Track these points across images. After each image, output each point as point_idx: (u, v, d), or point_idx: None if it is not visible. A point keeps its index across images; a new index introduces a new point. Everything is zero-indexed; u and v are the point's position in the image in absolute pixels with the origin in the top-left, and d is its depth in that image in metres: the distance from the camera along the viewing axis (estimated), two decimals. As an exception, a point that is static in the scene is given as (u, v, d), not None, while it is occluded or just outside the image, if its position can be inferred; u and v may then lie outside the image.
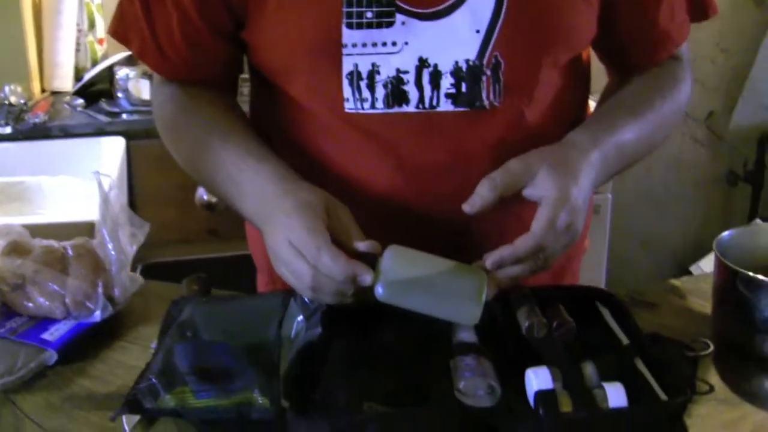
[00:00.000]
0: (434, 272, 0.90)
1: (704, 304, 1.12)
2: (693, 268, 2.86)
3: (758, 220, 1.10)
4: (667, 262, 3.16)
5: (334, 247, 0.87)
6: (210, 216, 2.18)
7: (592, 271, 2.65)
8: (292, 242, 0.88)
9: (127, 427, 0.87)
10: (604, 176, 1.02)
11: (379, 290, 0.88)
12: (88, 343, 1.04)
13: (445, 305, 0.90)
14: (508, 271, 0.91)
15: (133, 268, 2.06)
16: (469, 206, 0.94)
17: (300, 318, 0.96)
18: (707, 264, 2.71)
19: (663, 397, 0.85)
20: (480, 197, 0.93)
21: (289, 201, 0.91)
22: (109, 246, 1.05)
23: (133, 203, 2.21)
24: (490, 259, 0.90)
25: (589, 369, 0.86)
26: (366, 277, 0.87)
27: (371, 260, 0.88)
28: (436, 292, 0.89)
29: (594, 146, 0.99)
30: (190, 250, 2.23)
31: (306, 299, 0.96)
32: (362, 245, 0.89)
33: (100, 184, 1.09)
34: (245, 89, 1.19)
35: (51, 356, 0.99)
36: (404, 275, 0.89)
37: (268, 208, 0.94)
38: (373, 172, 1.04)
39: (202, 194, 2.17)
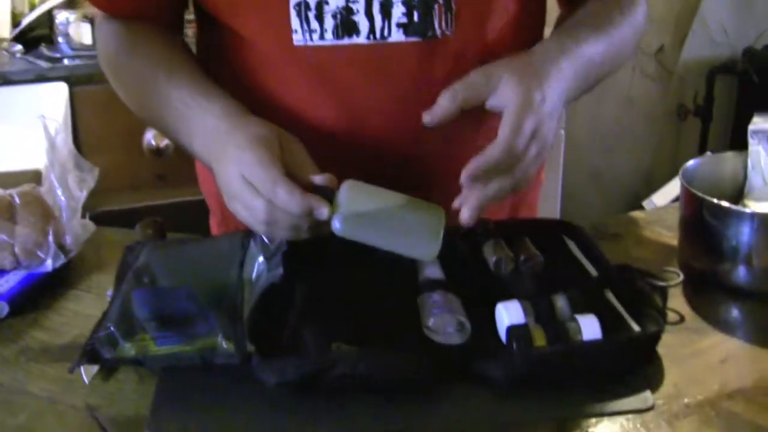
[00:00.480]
0: (392, 207, 0.87)
1: (669, 235, 1.12)
2: (645, 203, 2.88)
3: (709, 154, 1.09)
4: (619, 197, 3.17)
5: (290, 180, 0.84)
6: (158, 161, 2.13)
7: (545, 206, 2.66)
8: (246, 177, 0.84)
9: (86, 379, 0.84)
10: (576, 89, 0.98)
11: (336, 224, 0.84)
12: (41, 293, 1.00)
13: (402, 240, 0.87)
14: (488, 189, 0.87)
15: (82, 217, 2.01)
16: (429, 117, 0.90)
17: (261, 259, 0.93)
18: (660, 198, 2.73)
19: (636, 328, 0.84)
20: (440, 107, 0.90)
21: (241, 135, 0.87)
22: (58, 192, 1.00)
23: (79, 151, 2.13)
24: (465, 173, 0.86)
25: (561, 302, 0.85)
26: (323, 211, 0.83)
27: (327, 194, 0.85)
28: (393, 226, 0.87)
29: (562, 53, 0.95)
30: (140, 197, 2.18)
31: (265, 239, 0.93)
32: (318, 178, 0.86)
33: (46, 129, 1.05)
34: (190, 31, 1.14)
35: (2, 308, 0.95)
36: (361, 209, 0.86)
37: (219, 145, 0.90)
38: (321, 108, 1.01)
39: (149, 139, 2.11)
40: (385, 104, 1.00)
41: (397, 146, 1.01)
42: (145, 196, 2.18)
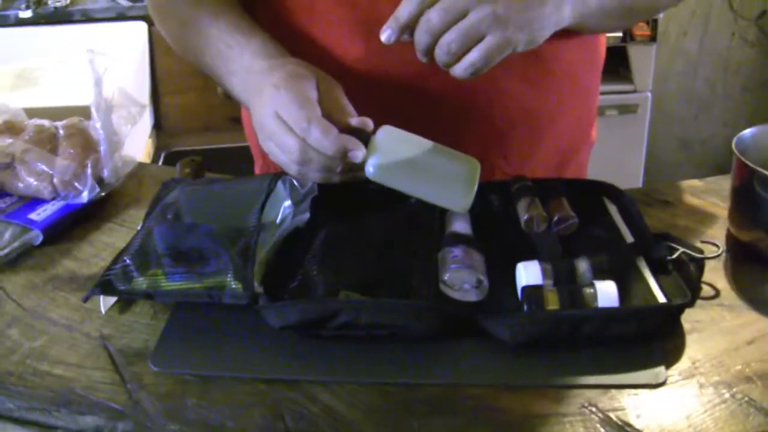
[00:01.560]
0: (428, 155, 0.85)
1: (722, 205, 1.06)
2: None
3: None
4: (708, 167, 3.06)
5: (325, 120, 0.82)
6: (232, 104, 2.14)
7: (627, 172, 2.58)
8: (281, 115, 0.83)
9: (103, 309, 0.85)
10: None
11: (369, 168, 0.83)
12: (77, 224, 1.01)
13: (435, 189, 0.84)
14: (444, 39, 0.82)
15: (156, 156, 2.06)
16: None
17: (288, 203, 0.92)
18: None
19: (661, 299, 0.80)
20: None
21: (278, 74, 0.86)
22: (97, 125, 1.01)
23: (155, 91, 2.17)
24: None
25: (583, 266, 0.81)
26: (357, 153, 0.81)
27: (363, 137, 0.83)
28: (428, 174, 0.84)
29: None
30: (214, 138, 2.20)
31: (296, 182, 0.92)
32: (355, 120, 0.84)
33: (92, 64, 1.05)
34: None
35: (37, 236, 0.97)
36: (397, 154, 0.84)
37: (255, 83, 0.89)
38: (355, 47, 0.99)
39: (224, 82, 2.13)
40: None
41: (427, 86, 0.98)
42: (218, 138, 2.21)
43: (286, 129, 0.83)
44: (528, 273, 0.80)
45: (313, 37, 1.00)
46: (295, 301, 0.78)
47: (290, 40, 0.97)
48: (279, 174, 0.93)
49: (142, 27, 2.09)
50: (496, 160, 1.06)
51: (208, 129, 2.22)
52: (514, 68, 0.93)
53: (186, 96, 2.14)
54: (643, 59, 2.49)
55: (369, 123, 0.84)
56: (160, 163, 2.14)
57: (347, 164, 0.83)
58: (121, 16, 2.12)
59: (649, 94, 2.52)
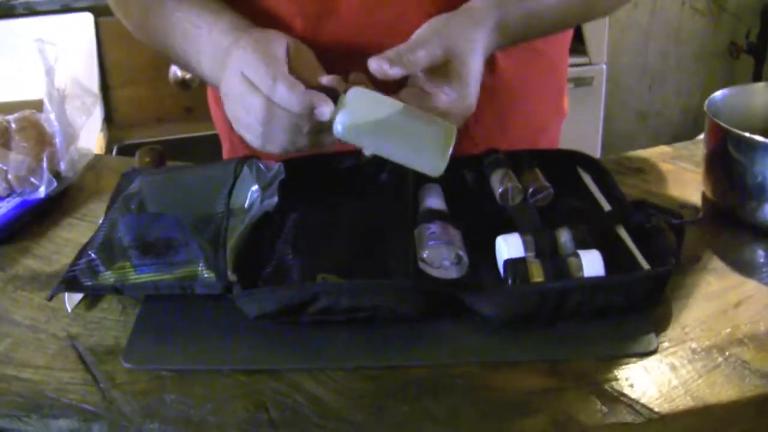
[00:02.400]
0: (401, 115, 0.80)
1: (696, 171, 1.05)
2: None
3: (738, 86, 1.02)
4: (665, 137, 3.07)
5: (292, 77, 0.79)
6: (185, 93, 2.10)
7: (584, 145, 2.58)
8: (246, 74, 0.79)
9: (68, 308, 0.81)
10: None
11: (337, 126, 0.78)
12: (35, 221, 0.97)
13: (408, 150, 0.79)
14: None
15: (108, 151, 2.00)
16: (376, 64, 0.80)
17: (255, 188, 0.89)
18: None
19: (646, 266, 0.79)
20: (394, 69, 0.81)
21: (246, 37, 0.83)
22: (52, 117, 0.97)
23: (105, 83, 2.12)
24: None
25: (565, 236, 0.79)
26: (325, 109, 0.77)
27: (333, 96, 0.79)
28: (400, 135, 0.79)
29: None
30: (167, 129, 2.16)
31: (262, 166, 0.89)
32: (325, 79, 0.80)
33: (42, 54, 1.01)
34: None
35: (-7, 235, 0.93)
36: (367, 114, 0.79)
37: (224, 57, 0.85)
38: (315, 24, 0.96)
39: (176, 71, 2.08)
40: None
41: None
42: (173, 129, 2.16)
43: (251, 88, 0.79)
44: (509, 246, 0.78)
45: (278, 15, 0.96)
46: (271, 287, 0.75)
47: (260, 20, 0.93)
48: (245, 158, 0.90)
49: (88, 18, 2.03)
50: (464, 143, 1.04)
51: (161, 120, 2.17)
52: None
53: (136, 87, 2.09)
54: (596, 32, 2.49)
55: (340, 81, 0.81)
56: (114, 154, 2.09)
57: (315, 124, 0.79)
58: (66, 8, 2.06)
59: (605, 66, 2.52)
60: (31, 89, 1.55)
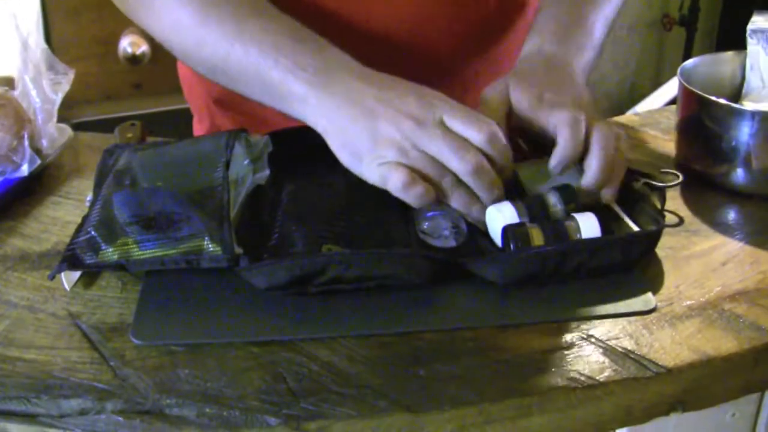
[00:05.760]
0: None
1: (665, 138, 1.09)
2: (630, 113, 2.85)
3: (707, 55, 1.06)
4: (604, 109, 3.14)
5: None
6: (135, 69, 2.07)
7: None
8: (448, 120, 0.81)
9: (66, 286, 0.81)
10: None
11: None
12: (18, 200, 0.96)
13: None
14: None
15: (58, 127, 1.93)
16: None
17: (246, 161, 0.89)
18: (645, 107, 2.69)
19: (635, 228, 0.82)
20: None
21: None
22: (32, 93, 0.95)
23: (51, 60, 2.07)
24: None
25: (552, 199, 0.81)
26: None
27: None
28: None
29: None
30: (117, 106, 2.12)
31: (250, 139, 0.89)
32: None
33: (17, 29, 0.99)
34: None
35: (-24, 215, 0.91)
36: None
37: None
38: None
39: (125, 46, 2.05)
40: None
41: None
42: (122, 106, 2.13)
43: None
44: (504, 214, 0.80)
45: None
46: (281, 259, 0.75)
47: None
48: (234, 131, 0.90)
49: (32, -6, 1.98)
50: (455, 87, 1.05)
51: (110, 97, 2.13)
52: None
53: (83, 64, 2.04)
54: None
55: None
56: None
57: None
58: (8, -17, 2.01)
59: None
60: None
